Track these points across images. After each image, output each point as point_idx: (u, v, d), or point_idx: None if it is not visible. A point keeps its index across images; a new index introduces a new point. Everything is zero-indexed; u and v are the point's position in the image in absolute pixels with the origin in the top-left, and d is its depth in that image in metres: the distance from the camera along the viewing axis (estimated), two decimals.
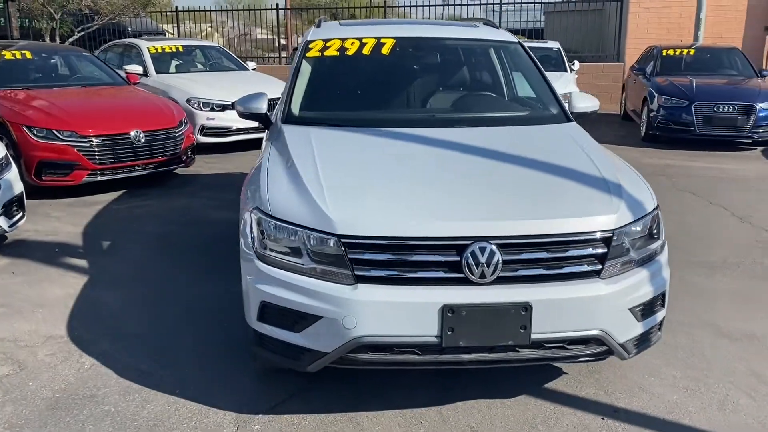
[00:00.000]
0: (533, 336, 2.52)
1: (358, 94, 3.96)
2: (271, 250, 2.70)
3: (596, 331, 2.59)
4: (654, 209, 2.84)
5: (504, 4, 15.61)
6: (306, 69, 3.91)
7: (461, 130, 3.41)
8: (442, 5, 18.42)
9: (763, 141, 9.69)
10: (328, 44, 4.04)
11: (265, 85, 9.81)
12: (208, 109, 9.14)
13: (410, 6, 17.91)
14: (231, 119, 9.14)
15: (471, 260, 2.49)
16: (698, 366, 3.36)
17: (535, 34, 20.85)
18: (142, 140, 6.91)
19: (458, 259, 2.51)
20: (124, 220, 6.01)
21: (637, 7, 14.68)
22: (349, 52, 3.99)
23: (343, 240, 2.54)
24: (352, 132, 3.42)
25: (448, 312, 2.46)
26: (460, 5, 16.88)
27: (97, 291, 4.32)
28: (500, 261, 2.50)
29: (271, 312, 2.68)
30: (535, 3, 16.48)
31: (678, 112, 9.63)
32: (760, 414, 2.95)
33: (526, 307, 2.49)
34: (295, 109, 3.71)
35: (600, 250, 2.61)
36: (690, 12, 14.06)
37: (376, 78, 4.07)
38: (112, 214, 6.24)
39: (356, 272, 2.53)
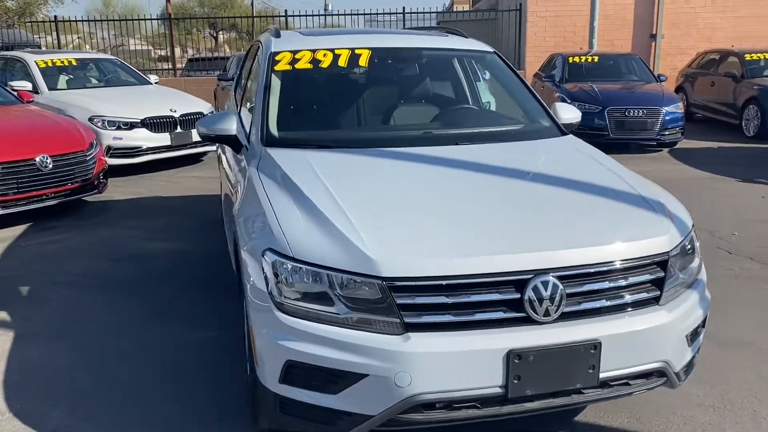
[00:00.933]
0: (601, 375, 2.28)
1: (341, 110, 3.60)
2: (294, 299, 2.29)
3: (659, 363, 2.39)
4: (692, 225, 2.70)
5: (405, 13, 15.57)
6: (276, 84, 3.49)
7: (467, 148, 3.13)
8: (329, 14, 18.27)
9: (669, 143, 10.19)
10: (297, 56, 3.64)
11: (176, 100, 9.16)
12: (113, 128, 8.32)
13: (300, 15, 17.53)
14: (141, 138, 8.41)
15: (533, 296, 2.21)
16: (713, 380, 3.27)
17: None
18: (50, 166, 6.12)
19: (519, 296, 2.22)
20: (39, 258, 5.25)
21: (534, 16, 15.13)
22: (324, 65, 3.61)
23: (388, 283, 2.18)
24: (352, 154, 3.05)
25: (515, 358, 2.17)
26: (344, 15, 16.69)
27: (29, 348, 3.66)
28: (564, 295, 2.24)
29: (299, 372, 2.27)
30: (434, 12, 16.59)
31: (591, 117, 9.90)
32: None
33: (596, 345, 2.24)
34: (275, 129, 3.29)
35: (658, 275, 2.41)
36: (583, 21, 14.67)
37: (357, 92, 3.72)
38: (23, 253, 5.44)
39: (405, 319, 2.18)
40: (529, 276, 2.22)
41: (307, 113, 3.53)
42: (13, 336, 3.82)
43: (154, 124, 8.51)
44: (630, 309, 2.35)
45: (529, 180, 2.84)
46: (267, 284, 2.35)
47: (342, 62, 3.61)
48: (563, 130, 3.50)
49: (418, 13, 15.88)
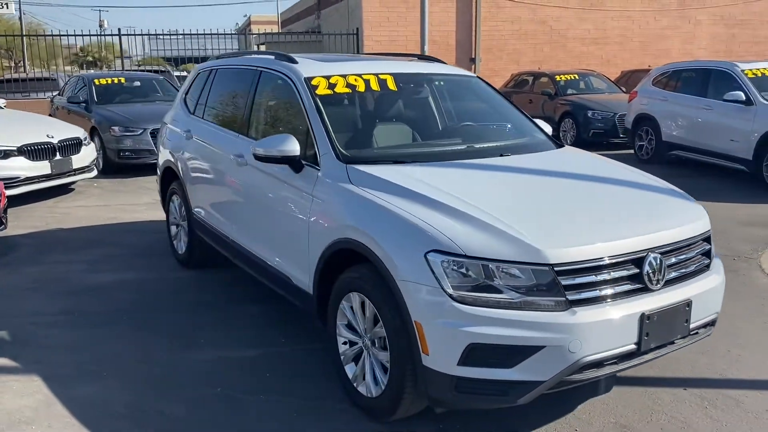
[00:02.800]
0: (690, 326, 2.97)
1: (390, 129, 3.92)
2: (468, 290, 2.66)
3: (715, 314, 3.15)
4: None
5: (204, 35, 15.43)
6: (324, 107, 3.73)
7: (512, 159, 3.66)
8: (106, 34, 17.54)
9: None
10: (331, 81, 3.91)
11: (48, 126, 8.49)
12: None
13: (76, 35, 16.57)
14: (19, 167, 7.68)
15: (649, 269, 2.83)
16: None
17: None
18: None
19: (637, 270, 2.82)
20: None
21: (370, 40, 16.10)
22: (360, 89, 3.92)
23: (555, 268, 2.65)
24: (432, 167, 3.43)
25: (646, 319, 2.76)
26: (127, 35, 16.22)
27: (81, 389, 3.45)
28: (665, 266, 2.89)
29: (479, 353, 2.63)
30: (258, 34, 16.82)
31: None
32: None
33: (689, 304, 2.92)
34: (346, 148, 3.54)
35: (707, 247, 3.18)
36: (415, 45, 15.95)
37: (396, 112, 4.06)
38: None
39: (568, 297, 2.66)
40: (644, 254, 2.84)
41: (363, 132, 3.81)
42: (43, 379, 3.56)
43: (32, 151, 7.82)
44: (699, 275, 3.07)
45: (586, 180, 3.46)
46: (438, 281, 2.68)
47: (374, 86, 3.96)
48: (560, 142, 4.18)
49: (218, 34, 15.89)
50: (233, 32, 39.07)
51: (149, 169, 10.16)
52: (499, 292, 2.66)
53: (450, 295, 2.66)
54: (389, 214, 2.96)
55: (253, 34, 16.20)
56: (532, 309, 2.65)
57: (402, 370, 2.87)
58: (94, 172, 8.96)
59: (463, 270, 2.67)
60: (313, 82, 3.88)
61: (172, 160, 5.40)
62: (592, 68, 16.15)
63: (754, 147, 8.86)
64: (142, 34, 17.64)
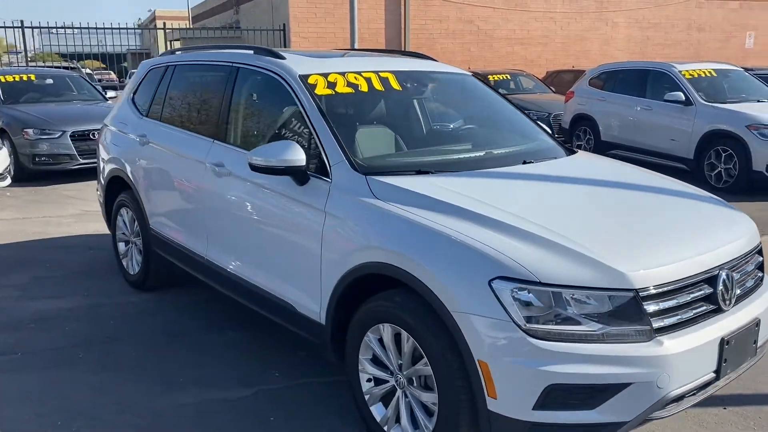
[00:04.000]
0: (758, 347, 2.74)
1: (402, 133, 3.49)
2: (544, 322, 2.31)
3: None
4: None
5: (105, 29, 14.33)
6: (326, 109, 3.27)
7: (537, 167, 3.33)
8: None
9: None
10: (330, 79, 3.45)
11: None
12: None
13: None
14: None
15: (722, 288, 2.58)
16: None
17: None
18: None
19: (711, 290, 2.56)
20: None
21: (297, 36, 15.52)
22: (363, 88, 3.48)
23: (639, 293, 2.34)
24: (461, 177, 3.04)
25: (725, 344, 2.50)
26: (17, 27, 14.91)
27: None
28: (734, 282, 2.65)
29: (559, 394, 2.29)
30: (176, 29, 15.90)
31: None
32: None
33: (758, 323, 2.69)
34: (361, 157, 3.10)
35: (760, 259, 2.97)
36: (344, 42, 15.52)
37: (405, 114, 3.65)
38: None
39: (654, 325, 2.36)
40: (717, 271, 2.58)
41: (374, 138, 3.36)
42: None
43: None
44: (757, 290, 2.85)
45: (629, 190, 3.18)
46: (507, 313, 2.31)
47: (378, 85, 3.53)
48: (571, 148, 3.89)
49: (122, 28, 14.83)
50: (137, 26, 37.14)
51: (68, 176, 9.28)
52: (577, 323, 2.32)
53: (522, 329, 2.30)
54: (437, 235, 2.55)
55: (165, 29, 15.18)
56: (616, 341, 2.32)
57: (455, 413, 2.49)
58: (8, 181, 7.99)
59: (537, 299, 2.32)
60: (310, 81, 3.41)
61: (122, 168, 4.74)
62: (518, 68, 16.29)
63: (695, 147, 9.07)
64: (43, 27, 16.12)
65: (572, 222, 2.68)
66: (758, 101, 9.33)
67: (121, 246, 5.06)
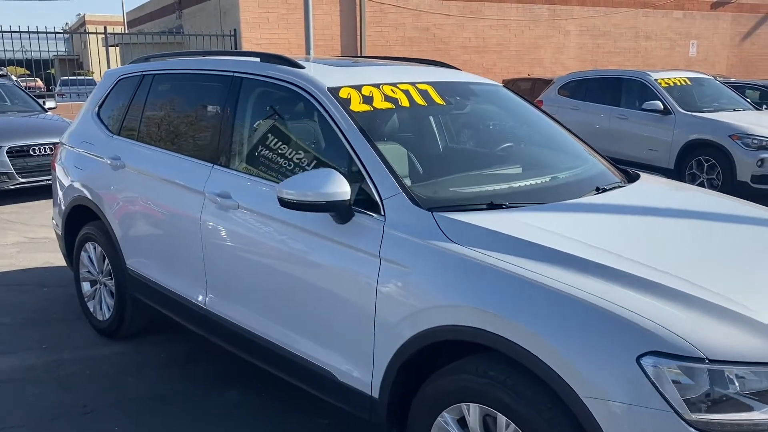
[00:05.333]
0: None
1: (458, 157, 2.95)
2: (709, 410, 1.79)
3: None
4: None
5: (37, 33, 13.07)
6: (368, 129, 2.68)
7: (614, 195, 2.84)
8: None
9: None
10: (364, 93, 2.87)
11: None
12: None
13: None
14: None
15: None
16: None
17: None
18: None
19: None
20: None
21: (249, 43, 14.76)
22: (403, 103, 2.91)
23: None
24: (540, 212, 2.50)
25: None
26: None
27: None
28: None
29: None
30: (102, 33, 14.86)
31: None
32: None
33: None
34: (421, 188, 2.52)
35: None
36: (299, 50, 14.87)
37: (455, 135, 3.08)
38: None
39: None
40: None
41: (429, 164, 2.79)
42: None
43: None
44: None
45: (726, 223, 2.71)
46: (665, 399, 1.78)
47: (419, 99, 2.96)
48: (635, 173, 3.40)
49: (50, 32, 13.62)
50: (66, 31, 35.15)
51: (4, 197, 8.29)
52: (749, 408, 1.81)
53: (685, 420, 1.77)
54: (555, 295, 2.00)
55: (106, 33, 14.12)
56: None
57: None
58: None
59: (695, 378, 1.80)
60: (341, 95, 2.82)
61: (88, 196, 4.00)
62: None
63: (675, 157, 8.89)
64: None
65: (705, 270, 2.18)
66: (734, 110, 9.24)
67: (86, 286, 4.29)
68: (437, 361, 2.33)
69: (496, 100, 3.54)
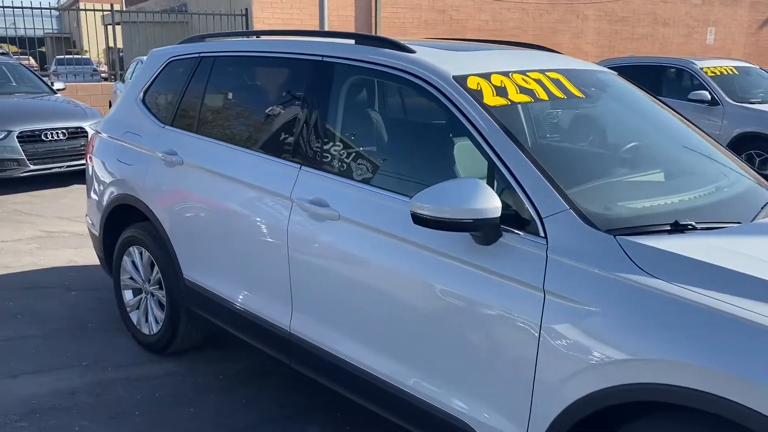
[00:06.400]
0: None
1: (616, 163, 2.45)
2: None
3: None
4: None
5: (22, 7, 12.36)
6: (510, 126, 2.21)
7: None
8: None
9: None
10: (494, 83, 2.39)
11: None
12: None
13: None
14: None
15: None
16: None
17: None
18: None
19: None
20: None
21: (261, 23, 14.17)
22: (541, 96, 2.43)
23: None
24: (735, 236, 2.04)
25: None
26: None
27: None
28: None
29: None
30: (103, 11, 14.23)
31: None
32: None
33: None
34: (592, 204, 2.05)
35: None
36: (312, 27, 14.29)
37: (601, 133, 2.60)
38: None
39: None
40: None
41: (588, 172, 2.31)
42: None
43: None
44: None
45: None
46: None
47: (556, 92, 2.49)
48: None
49: (42, 8, 12.90)
50: (63, 8, 34.07)
51: (14, 185, 7.77)
52: None
53: None
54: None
55: (98, 10, 13.47)
56: None
57: None
58: None
59: None
60: (470, 85, 2.34)
61: (135, 194, 3.51)
62: None
63: None
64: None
65: None
66: None
67: (128, 295, 3.81)
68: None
69: (617, 90, 3.05)
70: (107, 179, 3.75)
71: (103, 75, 21.73)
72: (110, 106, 11.89)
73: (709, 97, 8.55)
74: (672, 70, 9.38)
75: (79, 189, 7.82)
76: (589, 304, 1.85)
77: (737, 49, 21.61)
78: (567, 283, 1.90)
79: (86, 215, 4.21)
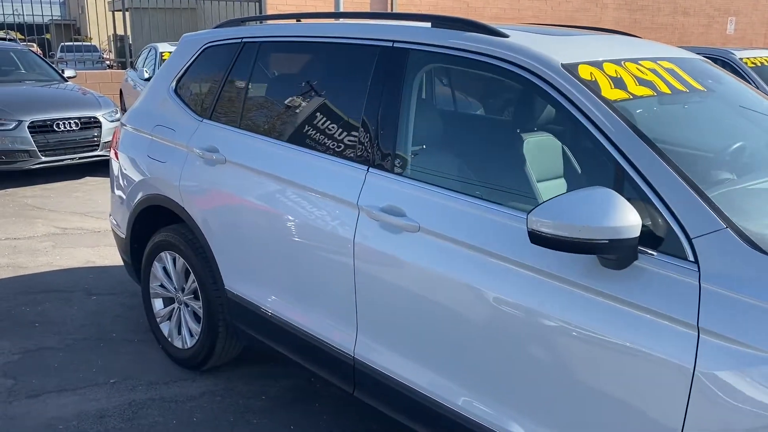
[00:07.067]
0: None
1: (754, 167, 2.09)
2: None
3: None
4: None
5: None
6: (639, 123, 1.85)
7: None
8: None
9: None
10: (608, 72, 2.03)
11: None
12: None
13: None
14: None
15: None
16: None
17: None
18: None
19: None
20: None
21: (274, 9, 13.75)
22: (662, 89, 2.07)
23: None
24: None
25: None
26: None
27: None
28: None
29: None
30: None
31: None
32: None
33: None
34: (751, 220, 1.70)
35: None
36: None
37: (730, 133, 2.23)
38: None
39: None
40: None
41: (730, 184, 1.95)
42: None
43: None
44: None
45: None
46: None
47: (677, 84, 2.13)
48: None
49: None
50: None
51: (24, 177, 7.44)
52: None
53: None
54: None
55: None
56: None
57: None
58: None
59: None
60: (582, 75, 1.98)
61: (169, 195, 3.17)
62: None
63: None
64: None
65: None
66: None
67: (158, 304, 3.48)
68: None
69: (730, 83, 2.66)
70: (136, 177, 3.40)
71: (108, 62, 21.35)
72: (121, 94, 11.50)
73: None
74: (710, 60, 8.96)
75: (92, 182, 7.48)
76: (763, 348, 1.49)
77: (758, 39, 21.11)
78: (730, 321, 1.54)
79: (110, 214, 3.87)
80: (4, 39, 13.76)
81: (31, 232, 5.58)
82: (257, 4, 13.77)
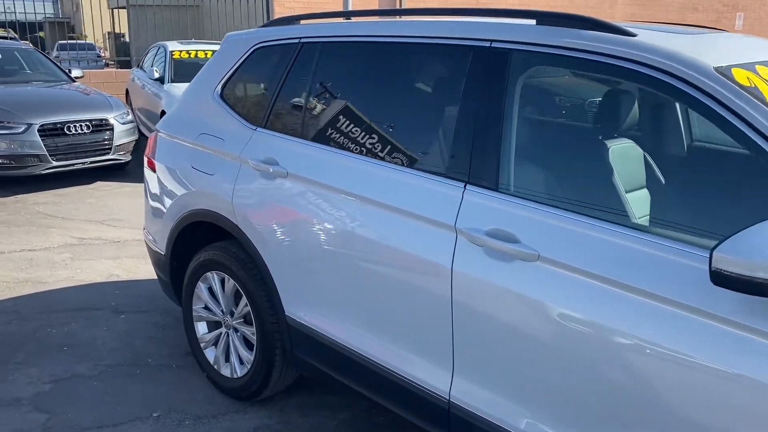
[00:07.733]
0: None
1: None
2: None
3: None
4: None
5: None
6: None
7: None
8: None
9: None
10: (765, 77, 1.75)
11: None
12: None
13: None
14: None
15: None
16: None
17: None
18: None
19: None
20: None
21: (282, 7, 13.43)
22: None
23: None
24: None
25: None
26: None
27: None
28: None
29: None
30: None
31: None
32: None
33: None
34: None
35: None
36: None
37: None
38: None
39: None
40: None
41: None
42: None
43: None
44: None
45: None
46: None
47: None
48: None
49: None
50: None
51: (33, 182, 7.12)
52: None
53: None
54: None
55: None
56: None
57: None
58: None
59: None
60: (739, 80, 1.70)
61: (218, 210, 2.87)
62: None
63: None
64: None
65: None
66: None
67: (202, 328, 3.19)
68: None
69: None
70: (178, 190, 3.11)
71: (105, 61, 20.93)
72: (127, 94, 11.16)
73: None
74: None
75: (104, 187, 7.17)
76: None
77: (766, 34, 20.89)
78: None
79: (144, 228, 3.57)
80: (5, 38, 13.41)
81: (47, 242, 5.28)
82: (265, 1, 13.45)
